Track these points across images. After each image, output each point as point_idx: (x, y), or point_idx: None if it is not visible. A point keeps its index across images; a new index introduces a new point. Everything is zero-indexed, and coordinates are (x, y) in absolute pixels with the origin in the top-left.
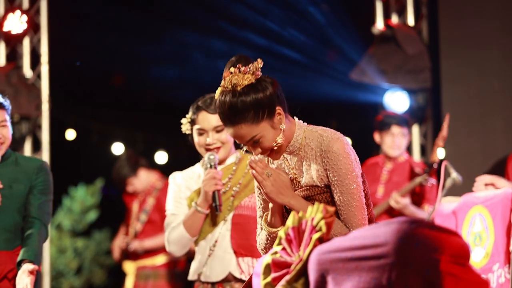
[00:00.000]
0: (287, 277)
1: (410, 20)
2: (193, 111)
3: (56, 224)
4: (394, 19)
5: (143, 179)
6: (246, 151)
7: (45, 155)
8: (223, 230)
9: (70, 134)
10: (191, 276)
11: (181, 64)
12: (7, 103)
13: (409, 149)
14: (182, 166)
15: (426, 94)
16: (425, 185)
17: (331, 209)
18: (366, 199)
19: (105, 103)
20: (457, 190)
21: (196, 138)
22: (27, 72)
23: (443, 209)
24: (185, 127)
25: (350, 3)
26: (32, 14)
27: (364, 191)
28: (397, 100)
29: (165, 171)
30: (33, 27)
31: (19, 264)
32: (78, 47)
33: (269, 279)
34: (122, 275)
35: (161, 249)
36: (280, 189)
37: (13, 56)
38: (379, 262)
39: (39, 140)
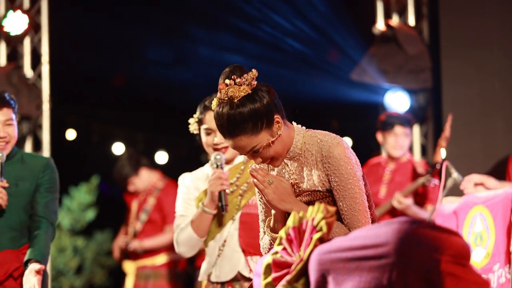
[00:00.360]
0: (288, 277)
1: (411, 20)
2: (200, 111)
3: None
4: (395, 19)
5: (144, 178)
6: None
7: (45, 155)
8: (232, 230)
9: (71, 134)
10: (201, 277)
11: (182, 64)
12: (13, 101)
13: (409, 149)
14: (182, 166)
15: (426, 94)
16: (428, 186)
17: (332, 209)
18: (368, 200)
19: (105, 103)
20: (458, 190)
21: (204, 138)
22: (28, 72)
23: (444, 209)
24: (193, 127)
25: (351, 3)
26: (33, 14)
27: (365, 193)
28: (397, 100)
29: (165, 171)
30: (34, 27)
31: (26, 264)
32: (79, 47)
33: (269, 279)
34: (123, 276)
35: (161, 249)
36: (282, 196)
37: (14, 56)
38: (379, 262)
39: (39, 140)
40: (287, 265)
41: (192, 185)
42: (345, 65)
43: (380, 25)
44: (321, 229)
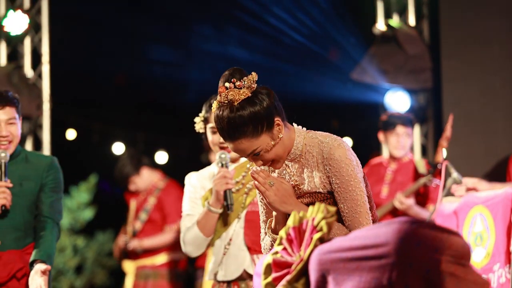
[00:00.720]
0: (288, 277)
1: (411, 20)
2: (206, 110)
3: None
4: (395, 19)
5: (145, 178)
6: None
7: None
8: (237, 228)
9: (71, 134)
10: (208, 276)
11: (182, 64)
12: (16, 100)
13: (410, 149)
14: (182, 166)
15: (427, 94)
16: (429, 186)
17: (332, 209)
18: (369, 202)
19: (105, 103)
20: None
21: (210, 137)
22: (28, 72)
23: (444, 209)
24: (198, 126)
25: (351, 3)
26: (33, 14)
27: (366, 194)
28: (398, 100)
29: (165, 171)
30: (34, 27)
31: (31, 265)
32: (79, 47)
33: (270, 279)
34: (124, 277)
35: (161, 249)
36: (283, 198)
37: (14, 56)
38: (380, 262)
39: (40, 140)
40: (287, 265)
41: (199, 184)
42: (346, 65)
43: (380, 25)
44: (321, 229)
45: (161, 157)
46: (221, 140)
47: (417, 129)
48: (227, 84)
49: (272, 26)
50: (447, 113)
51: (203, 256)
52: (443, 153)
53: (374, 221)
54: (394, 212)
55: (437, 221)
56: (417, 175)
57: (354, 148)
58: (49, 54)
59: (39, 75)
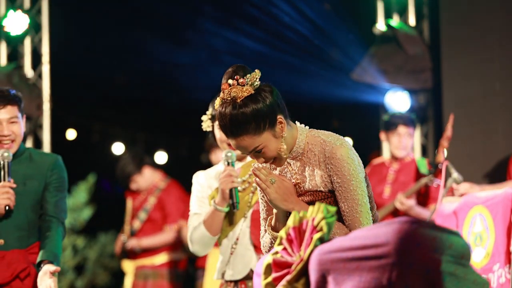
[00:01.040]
0: (288, 277)
1: (411, 20)
2: (213, 107)
3: None
4: (395, 19)
5: (147, 177)
6: None
7: None
8: (244, 227)
9: (71, 134)
10: (216, 276)
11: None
12: (18, 98)
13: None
14: (181, 166)
15: (427, 94)
16: (431, 186)
17: (332, 209)
18: (370, 202)
19: (105, 103)
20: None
21: (218, 134)
22: (28, 72)
23: (444, 209)
24: (206, 124)
25: (351, 3)
26: (33, 14)
27: (368, 194)
28: (398, 100)
29: (165, 171)
30: (34, 27)
31: (38, 265)
32: (79, 47)
33: (270, 279)
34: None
35: (161, 249)
36: (284, 195)
37: (14, 56)
38: (380, 262)
39: (40, 140)
40: (287, 265)
41: (206, 183)
42: (346, 65)
43: (380, 25)
44: (321, 229)
45: (161, 157)
46: None
47: (417, 129)
48: (230, 81)
49: (269, 29)
50: (447, 113)
51: (204, 256)
52: (445, 153)
53: (374, 221)
54: (396, 213)
55: (437, 221)
56: (419, 175)
57: (354, 148)
58: (49, 54)
59: (39, 75)
